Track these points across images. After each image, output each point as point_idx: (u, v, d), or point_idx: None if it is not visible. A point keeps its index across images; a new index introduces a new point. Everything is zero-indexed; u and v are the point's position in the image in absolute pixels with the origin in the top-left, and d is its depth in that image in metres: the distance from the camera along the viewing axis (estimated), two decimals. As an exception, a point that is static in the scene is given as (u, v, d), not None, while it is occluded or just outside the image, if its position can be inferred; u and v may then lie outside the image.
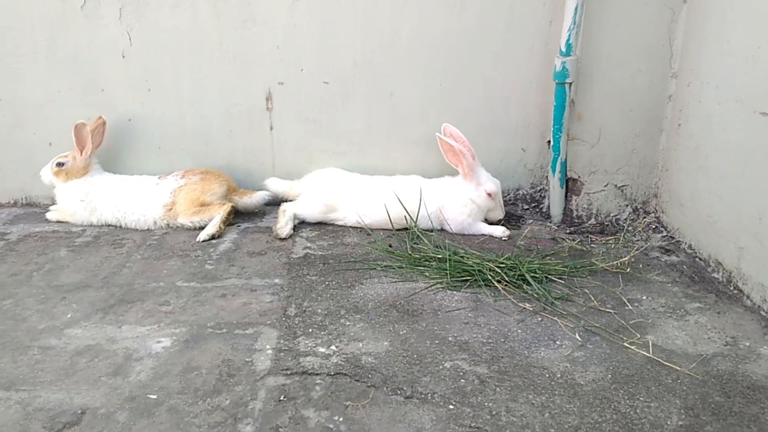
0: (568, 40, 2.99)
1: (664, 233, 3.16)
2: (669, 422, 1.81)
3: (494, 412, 1.86)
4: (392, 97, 3.39)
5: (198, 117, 3.49)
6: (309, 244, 3.09)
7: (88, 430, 1.80)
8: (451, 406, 1.89)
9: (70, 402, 1.92)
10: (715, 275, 2.71)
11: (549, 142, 3.29)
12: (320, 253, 2.99)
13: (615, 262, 2.79)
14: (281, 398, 1.94)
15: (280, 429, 1.81)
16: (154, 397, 1.95)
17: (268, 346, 2.21)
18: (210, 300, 2.55)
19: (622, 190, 3.32)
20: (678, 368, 2.05)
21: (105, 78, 3.44)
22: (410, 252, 2.93)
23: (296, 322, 2.37)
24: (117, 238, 3.20)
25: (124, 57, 3.40)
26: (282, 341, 2.24)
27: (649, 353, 2.14)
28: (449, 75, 3.37)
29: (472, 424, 1.82)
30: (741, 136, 2.53)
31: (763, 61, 2.38)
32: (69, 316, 2.43)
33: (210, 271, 2.81)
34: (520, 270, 2.67)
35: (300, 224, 3.34)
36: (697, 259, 2.87)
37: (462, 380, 2.02)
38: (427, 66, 3.36)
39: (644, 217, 3.30)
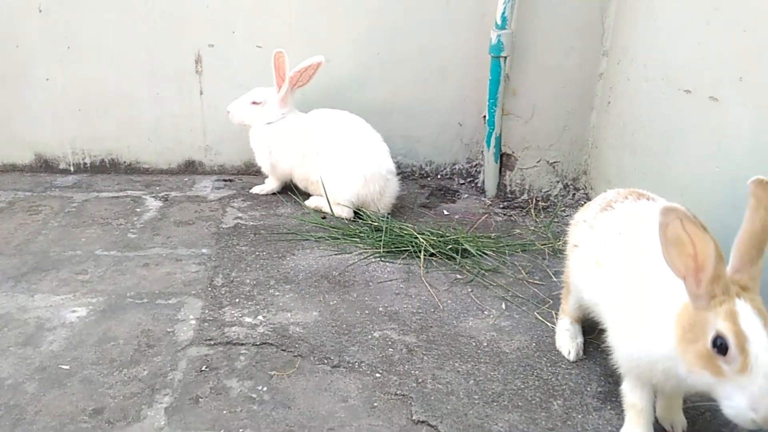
0: (503, 12, 2.98)
1: (592, 209, 3.24)
2: (589, 388, 1.86)
3: (420, 380, 1.87)
4: (329, 64, 3.29)
5: (122, 78, 3.30)
6: (240, 215, 3.01)
7: (-8, 403, 1.70)
8: (377, 375, 1.89)
9: (-28, 374, 1.80)
10: (638, 249, 2.80)
11: (485, 117, 3.30)
12: (252, 223, 2.91)
13: (545, 238, 2.85)
14: (203, 369, 1.88)
15: (200, 399, 1.75)
16: (67, 367, 1.86)
17: (191, 317, 2.14)
18: (131, 269, 2.43)
19: (554, 167, 3.39)
20: (592, 339, 2.11)
21: (20, 33, 3.20)
22: (347, 223, 2.90)
23: (223, 293, 2.30)
24: (33, 205, 3.01)
25: (41, 11, 3.16)
26: (207, 311, 2.17)
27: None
28: (387, 44, 3.31)
29: (398, 392, 1.81)
30: (666, 113, 2.60)
31: (688, 39, 2.44)
32: (-25, 285, 2.27)
33: (132, 240, 2.68)
34: (453, 243, 2.68)
35: (233, 195, 3.24)
36: (621, 234, 2.96)
37: (390, 349, 2.01)
38: (365, 34, 3.29)
39: (574, 194, 3.38)
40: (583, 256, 1.86)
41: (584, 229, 1.92)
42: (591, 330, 2.01)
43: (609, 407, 1.77)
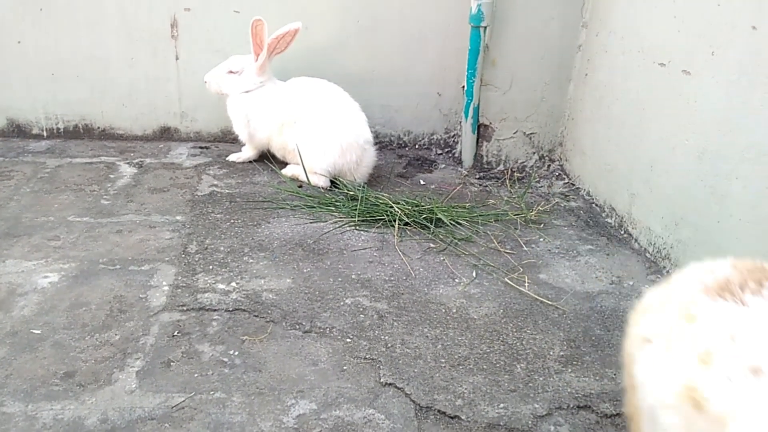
0: (484, -18, 2.96)
1: (566, 180, 3.28)
2: (551, 352, 1.91)
3: (389, 345, 1.91)
4: (308, 31, 3.26)
5: (95, 41, 3.24)
6: (216, 182, 3.00)
7: (-38, 366, 1.70)
8: (348, 340, 1.92)
9: (-58, 338, 1.80)
10: (609, 220, 2.85)
11: (464, 87, 3.29)
12: (227, 191, 2.91)
13: (518, 208, 2.88)
14: (175, 334, 1.90)
15: (171, 363, 1.78)
16: (38, 332, 1.87)
17: (164, 283, 2.15)
18: (104, 236, 2.43)
19: (530, 138, 3.41)
20: (558, 306, 2.16)
21: (-12, -7, 3.12)
22: (323, 192, 2.91)
23: (196, 260, 2.31)
24: (5, 170, 2.97)
25: (10, -30, 3.08)
26: (180, 278, 2.18)
27: (540, 290, 2.24)
28: (367, 11, 3.28)
29: (367, 356, 1.85)
30: (640, 86, 2.63)
31: (664, 11, 2.45)
32: (-55, 249, 2.26)
33: (106, 206, 2.67)
34: (427, 212, 2.70)
35: (209, 163, 3.23)
36: (593, 205, 3.01)
37: (361, 315, 2.04)
38: (345, 1, 3.25)
39: (549, 165, 3.41)
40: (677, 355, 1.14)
41: (671, 320, 1.20)
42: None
43: (569, 370, 1.83)
